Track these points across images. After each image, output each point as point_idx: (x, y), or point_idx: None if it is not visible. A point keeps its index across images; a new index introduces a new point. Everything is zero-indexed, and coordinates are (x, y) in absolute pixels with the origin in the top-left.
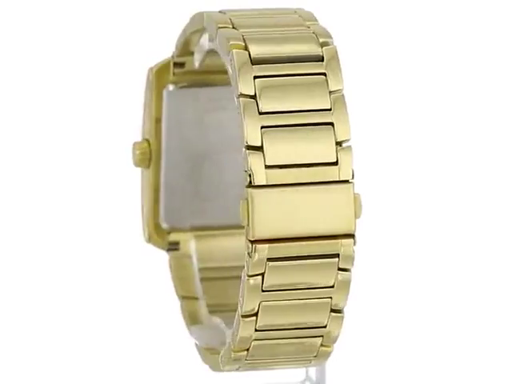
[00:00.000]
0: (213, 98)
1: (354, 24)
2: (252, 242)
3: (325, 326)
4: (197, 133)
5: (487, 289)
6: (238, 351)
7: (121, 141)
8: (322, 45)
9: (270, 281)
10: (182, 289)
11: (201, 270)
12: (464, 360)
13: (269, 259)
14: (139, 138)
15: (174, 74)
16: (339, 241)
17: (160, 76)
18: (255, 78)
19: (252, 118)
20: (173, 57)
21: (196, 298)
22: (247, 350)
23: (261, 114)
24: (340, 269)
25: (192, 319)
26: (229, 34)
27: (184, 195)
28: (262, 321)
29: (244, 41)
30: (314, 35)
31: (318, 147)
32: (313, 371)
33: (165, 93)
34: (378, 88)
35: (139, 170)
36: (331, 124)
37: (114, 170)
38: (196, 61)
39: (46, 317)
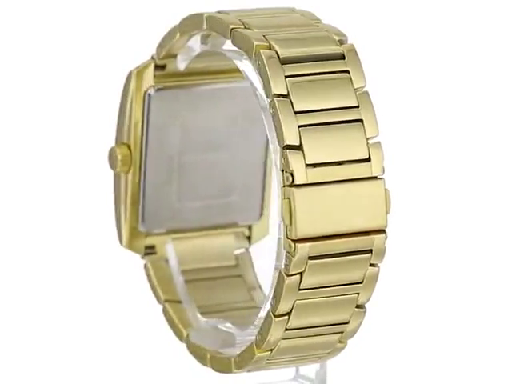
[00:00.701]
0: (192, 99)
1: (345, 22)
2: (294, 241)
3: (347, 322)
4: (177, 135)
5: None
6: (263, 352)
7: (91, 144)
8: (340, 43)
9: (307, 279)
10: (165, 293)
11: (184, 272)
12: (466, 361)
13: (309, 257)
14: (112, 142)
15: (154, 76)
16: (373, 236)
17: (141, 79)
18: (286, 77)
19: (289, 118)
20: (153, 59)
21: (179, 302)
22: (271, 350)
23: (296, 113)
24: (370, 264)
25: (181, 322)
26: (250, 34)
27: (164, 198)
28: (293, 320)
29: (267, 41)
30: (329, 33)
31: (351, 144)
32: (307, 369)
33: (146, 96)
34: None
35: (108, 174)
36: (360, 121)
37: (84, 174)
38: (180, 63)
39: (22, 324)
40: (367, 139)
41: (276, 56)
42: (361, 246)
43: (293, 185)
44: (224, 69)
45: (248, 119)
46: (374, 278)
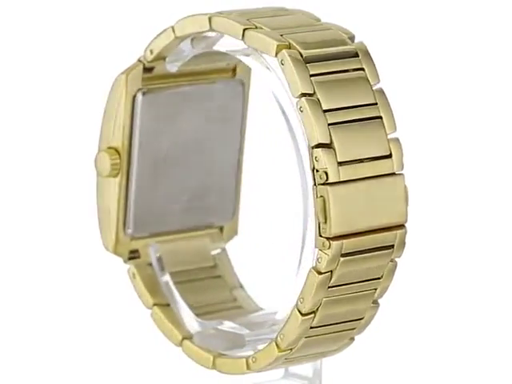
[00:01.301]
0: (177, 100)
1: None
2: (328, 238)
3: (362, 318)
4: (163, 137)
5: None
6: (283, 351)
7: (71, 149)
8: (350, 41)
9: (337, 276)
10: (154, 296)
11: (172, 274)
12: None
13: (342, 255)
14: (88, 146)
15: (142, 79)
16: (395, 231)
17: (129, 82)
18: (311, 76)
19: (319, 117)
20: (141, 61)
21: (167, 305)
22: (291, 349)
23: (324, 111)
24: (390, 259)
25: (175, 326)
26: (268, 34)
27: (150, 201)
28: (318, 317)
29: (287, 41)
30: (339, 32)
31: (374, 141)
32: (297, 366)
33: (134, 99)
34: None
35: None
36: (380, 118)
37: (65, 180)
38: (170, 65)
39: (6, 333)
40: (387, 135)
41: (300, 55)
42: (386, 241)
43: (327, 183)
44: (205, 70)
45: (224, 120)
46: (392, 273)
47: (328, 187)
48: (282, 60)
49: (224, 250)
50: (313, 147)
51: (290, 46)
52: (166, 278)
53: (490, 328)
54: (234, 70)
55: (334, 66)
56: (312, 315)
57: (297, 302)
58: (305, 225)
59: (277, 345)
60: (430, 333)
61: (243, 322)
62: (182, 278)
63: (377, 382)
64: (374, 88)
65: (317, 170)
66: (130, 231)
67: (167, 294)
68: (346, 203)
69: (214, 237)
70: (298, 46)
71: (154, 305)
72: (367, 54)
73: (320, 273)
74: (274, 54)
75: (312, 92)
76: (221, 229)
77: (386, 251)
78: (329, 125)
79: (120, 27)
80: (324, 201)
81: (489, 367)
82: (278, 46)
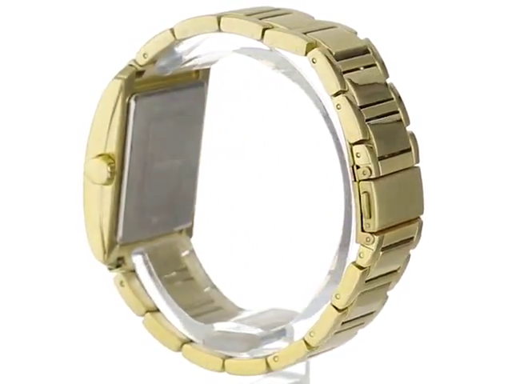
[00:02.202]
0: (158, 104)
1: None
2: (372, 233)
3: (373, 312)
4: (150, 142)
5: None
6: (312, 348)
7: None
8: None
9: (374, 270)
10: (144, 303)
11: (158, 278)
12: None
13: (382, 248)
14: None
15: (134, 83)
16: (416, 223)
17: (124, 87)
18: (342, 73)
19: (358, 113)
20: (132, 66)
21: (158, 310)
22: (318, 346)
23: (360, 108)
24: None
25: (172, 331)
26: (293, 33)
27: (137, 208)
28: (349, 312)
29: (312, 39)
30: (344, 30)
31: (398, 135)
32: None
33: (127, 104)
34: None
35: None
36: (398, 112)
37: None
38: (162, 68)
39: None
40: (405, 129)
41: (330, 53)
42: (410, 233)
43: (370, 178)
44: (177, 73)
45: (191, 122)
46: (407, 264)
47: (372, 182)
48: (313, 59)
49: (192, 251)
50: (353, 144)
51: (316, 45)
52: (154, 282)
53: (489, 326)
54: (197, 72)
55: (356, 62)
56: (346, 310)
57: (335, 298)
58: (344, 221)
59: (306, 342)
60: (424, 328)
61: (252, 322)
62: (167, 282)
63: (367, 377)
64: (386, 83)
65: (357, 167)
66: (119, 238)
67: (157, 300)
68: (386, 197)
69: (181, 239)
70: (324, 44)
71: (147, 311)
72: (375, 50)
73: (361, 268)
74: (304, 53)
75: (346, 89)
76: (180, 232)
77: (408, 243)
78: (367, 120)
79: (98, 34)
80: (368, 196)
81: (488, 365)
82: (307, 44)
